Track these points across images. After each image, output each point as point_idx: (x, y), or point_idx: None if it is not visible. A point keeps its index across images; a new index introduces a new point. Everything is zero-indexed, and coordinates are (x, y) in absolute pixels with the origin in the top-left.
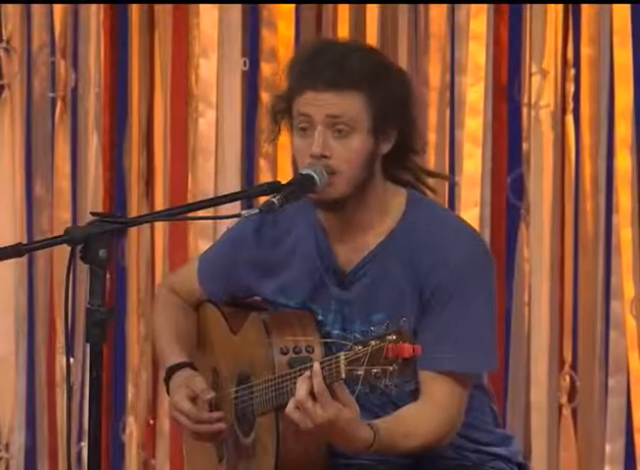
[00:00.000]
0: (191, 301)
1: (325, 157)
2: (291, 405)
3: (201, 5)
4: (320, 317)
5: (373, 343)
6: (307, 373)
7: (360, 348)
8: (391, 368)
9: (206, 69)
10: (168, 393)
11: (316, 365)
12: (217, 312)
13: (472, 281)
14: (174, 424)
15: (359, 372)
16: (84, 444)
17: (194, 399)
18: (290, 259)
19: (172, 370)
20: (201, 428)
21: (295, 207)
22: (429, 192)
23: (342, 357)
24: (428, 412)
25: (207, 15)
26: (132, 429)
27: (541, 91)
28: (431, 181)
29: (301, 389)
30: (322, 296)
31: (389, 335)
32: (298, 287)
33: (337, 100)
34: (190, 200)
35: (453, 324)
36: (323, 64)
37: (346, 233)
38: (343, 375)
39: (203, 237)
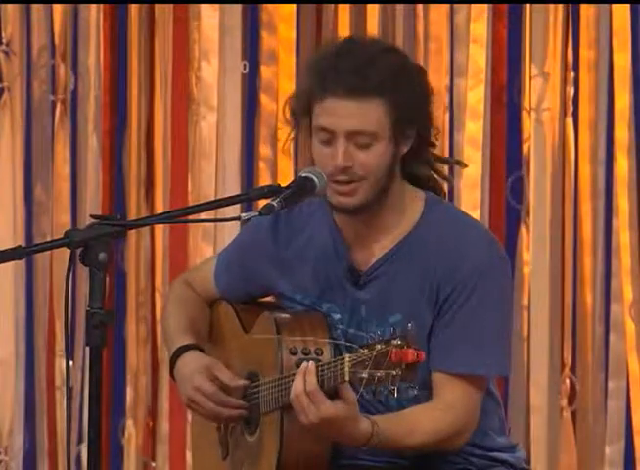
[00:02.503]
0: (206, 297)
1: (348, 168)
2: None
3: (202, 6)
4: (338, 316)
5: (378, 346)
6: (303, 366)
7: (365, 351)
8: (395, 373)
9: (208, 71)
10: (172, 373)
11: (311, 364)
12: (231, 310)
13: (487, 284)
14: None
15: (363, 375)
16: (83, 446)
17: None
18: (304, 257)
19: (181, 350)
20: (224, 411)
21: (309, 205)
22: (442, 181)
23: (347, 360)
24: (435, 412)
25: (209, 17)
26: (131, 432)
27: (542, 94)
28: (443, 169)
29: (298, 382)
30: (338, 294)
31: (395, 339)
32: (314, 285)
33: (358, 110)
34: (190, 203)
35: (467, 327)
36: (345, 69)
37: (363, 234)
38: (347, 377)
39: (204, 239)
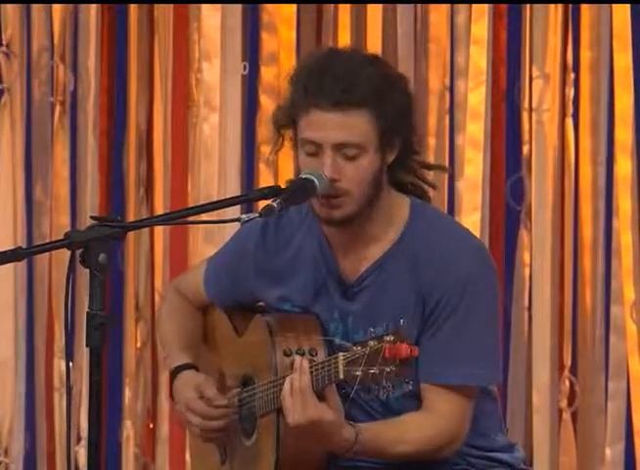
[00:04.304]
0: (197, 302)
1: (335, 180)
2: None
3: (202, 7)
4: (325, 326)
5: (371, 343)
6: (297, 363)
7: (359, 348)
8: (389, 369)
9: (209, 72)
10: (171, 394)
11: (304, 362)
12: (223, 314)
13: (475, 293)
14: (178, 426)
15: (357, 373)
16: (80, 447)
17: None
18: (293, 268)
19: (177, 371)
20: (213, 424)
21: (298, 214)
22: (430, 190)
23: (341, 358)
24: (425, 421)
25: (209, 18)
26: (129, 432)
27: (542, 95)
28: (430, 177)
29: (293, 380)
30: (325, 305)
31: (388, 336)
32: (302, 295)
33: (343, 121)
34: (190, 204)
35: (456, 336)
36: (328, 81)
37: (351, 244)
38: (342, 376)
39: (205, 240)
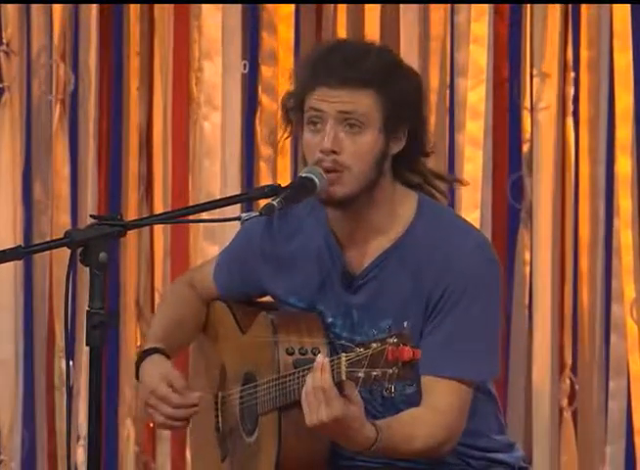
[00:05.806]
0: (206, 296)
1: (334, 152)
2: (303, 394)
3: (202, 6)
4: (330, 319)
5: (374, 345)
6: (317, 363)
7: (362, 350)
8: (391, 371)
9: (210, 71)
10: (137, 376)
11: (326, 360)
12: (227, 310)
13: (478, 289)
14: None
15: (360, 374)
16: (80, 446)
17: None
18: (299, 260)
19: (145, 354)
20: (178, 413)
21: (305, 208)
22: (438, 195)
23: (344, 359)
24: (428, 416)
25: (209, 17)
26: (130, 431)
27: (541, 94)
28: (439, 184)
29: (315, 378)
30: (331, 298)
31: (391, 338)
32: (308, 288)
33: (349, 97)
34: (190, 203)
35: (457, 331)
36: (337, 61)
37: (356, 236)
38: (344, 377)
39: (205, 239)
